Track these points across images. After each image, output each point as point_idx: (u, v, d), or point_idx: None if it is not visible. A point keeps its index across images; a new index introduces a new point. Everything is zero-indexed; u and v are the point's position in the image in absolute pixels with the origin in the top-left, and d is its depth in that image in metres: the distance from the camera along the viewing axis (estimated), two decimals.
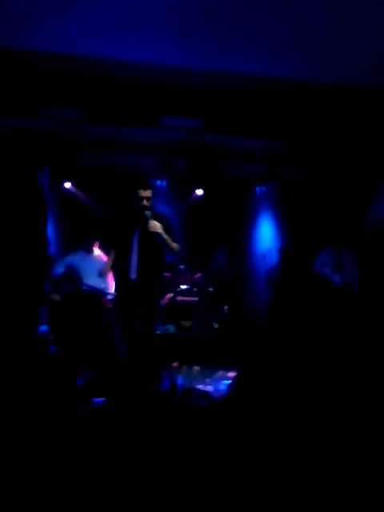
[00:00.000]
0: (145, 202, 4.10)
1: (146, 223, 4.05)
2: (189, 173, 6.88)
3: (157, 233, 4.03)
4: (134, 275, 4.11)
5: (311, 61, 4.77)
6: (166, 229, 4.10)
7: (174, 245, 4.17)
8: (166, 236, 4.08)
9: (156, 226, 4.04)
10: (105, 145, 6.31)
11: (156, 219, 4.10)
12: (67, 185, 6.58)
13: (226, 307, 6.62)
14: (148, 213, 4.07)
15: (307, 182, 6.71)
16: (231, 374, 4.45)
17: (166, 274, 6.56)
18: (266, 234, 7.23)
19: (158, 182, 7.13)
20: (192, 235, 7.16)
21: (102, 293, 5.42)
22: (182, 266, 6.92)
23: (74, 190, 6.67)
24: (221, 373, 4.74)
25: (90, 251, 5.69)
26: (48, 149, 5.88)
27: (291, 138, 6.35)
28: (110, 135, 6.24)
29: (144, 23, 4.18)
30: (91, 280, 5.48)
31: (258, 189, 7.35)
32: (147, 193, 4.12)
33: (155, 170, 6.85)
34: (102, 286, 5.50)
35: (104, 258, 5.66)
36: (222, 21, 4.21)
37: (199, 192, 7.12)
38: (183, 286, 6.72)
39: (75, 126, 5.85)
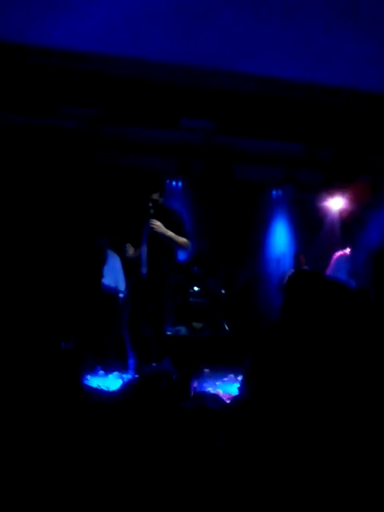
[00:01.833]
0: (152, 204, 4.15)
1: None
2: (204, 175, 6.88)
3: (162, 234, 4.08)
4: (144, 270, 4.14)
5: (326, 63, 4.76)
6: (172, 225, 4.13)
7: (182, 240, 4.16)
8: (169, 233, 4.10)
9: (156, 224, 4.08)
10: (122, 144, 6.33)
11: (163, 215, 4.14)
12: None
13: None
14: (151, 211, 4.12)
15: (323, 186, 6.67)
16: (241, 377, 4.41)
17: (179, 276, 6.56)
18: (281, 238, 7.19)
19: (174, 183, 7.14)
20: (206, 237, 7.16)
21: (115, 291, 5.44)
22: (195, 268, 6.90)
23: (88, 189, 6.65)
24: (231, 376, 4.71)
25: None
26: (66, 147, 5.92)
27: (308, 141, 6.32)
28: (128, 135, 6.26)
29: (162, 23, 4.19)
30: (105, 278, 5.49)
31: (274, 192, 7.32)
32: (155, 196, 4.16)
33: (171, 171, 6.86)
34: (114, 284, 5.51)
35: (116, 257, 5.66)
36: (241, 23, 4.21)
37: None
38: (196, 288, 6.70)
39: (93, 124, 5.88)
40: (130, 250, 4.26)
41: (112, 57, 4.66)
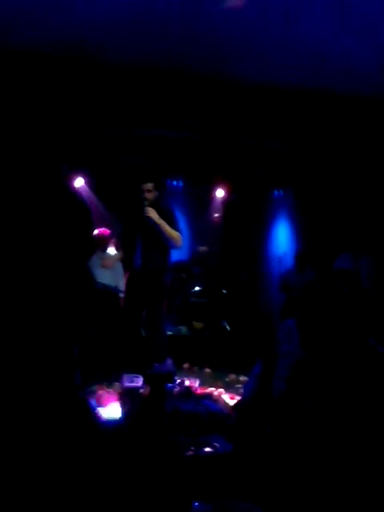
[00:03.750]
0: (146, 194, 4.28)
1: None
2: (205, 174, 6.86)
3: (153, 221, 4.19)
4: (138, 263, 4.28)
5: (328, 69, 4.77)
6: (164, 218, 4.25)
7: (174, 232, 4.28)
8: (162, 222, 4.22)
9: (150, 211, 4.21)
10: (122, 143, 6.30)
11: (157, 210, 4.25)
12: (79, 182, 6.55)
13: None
14: (146, 202, 4.24)
15: (325, 186, 6.65)
16: (243, 378, 4.39)
17: (180, 275, 6.55)
18: (283, 238, 7.18)
19: (174, 183, 7.12)
20: (207, 237, 7.15)
21: (115, 291, 5.41)
22: (196, 269, 6.89)
23: (86, 187, 6.63)
24: (232, 376, 4.69)
25: (104, 250, 5.67)
26: (64, 145, 5.90)
27: (309, 142, 6.31)
28: (127, 134, 6.23)
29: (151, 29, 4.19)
30: (105, 278, 5.46)
31: (275, 192, 7.30)
32: (148, 185, 4.30)
33: (172, 170, 6.85)
34: (115, 284, 5.49)
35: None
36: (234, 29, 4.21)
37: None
38: (197, 288, 6.68)
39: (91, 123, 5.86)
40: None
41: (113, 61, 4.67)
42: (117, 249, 5.65)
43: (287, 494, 1.81)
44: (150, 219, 4.21)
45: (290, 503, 1.76)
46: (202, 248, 6.99)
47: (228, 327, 6.39)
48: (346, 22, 3.98)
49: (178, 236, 4.31)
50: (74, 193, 6.40)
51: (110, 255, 5.66)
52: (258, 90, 5.23)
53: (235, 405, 2.99)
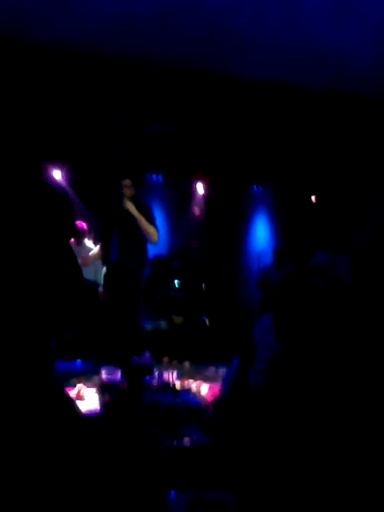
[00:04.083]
0: (125, 189, 4.37)
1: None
2: (185, 169, 6.87)
3: (132, 215, 4.27)
4: (115, 257, 4.37)
5: (312, 66, 4.81)
6: (142, 214, 4.34)
7: (151, 228, 4.37)
8: (139, 215, 4.30)
9: (128, 204, 4.30)
10: (100, 138, 6.27)
11: (134, 205, 4.33)
12: (56, 175, 6.50)
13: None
14: (124, 198, 4.33)
15: (304, 183, 6.72)
16: (222, 372, 4.43)
17: (160, 270, 6.56)
18: (262, 234, 7.24)
19: (154, 178, 7.11)
20: (186, 231, 7.16)
21: (94, 284, 5.40)
22: (175, 263, 6.90)
23: (63, 181, 6.58)
24: (212, 369, 4.72)
25: (81, 243, 5.64)
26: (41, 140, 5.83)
27: (288, 138, 6.36)
28: (106, 128, 6.20)
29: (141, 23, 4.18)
30: (84, 273, 5.43)
31: (254, 187, 7.35)
32: (127, 182, 4.41)
33: (151, 164, 6.83)
34: (94, 278, 5.47)
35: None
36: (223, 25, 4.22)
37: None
38: (176, 282, 6.70)
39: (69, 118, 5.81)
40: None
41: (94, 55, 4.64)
42: (95, 243, 5.62)
43: (264, 484, 1.84)
44: (127, 212, 4.26)
45: (267, 493, 1.79)
46: (192, 242, 7.02)
47: (207, 322, 6.43)
48: (340, 10, 3.99)
49: (154, 232, 4.39)
50: (55, 183, 6.31)
51: (88, 249, 5.63)
52: (238, 85, 5.26)
53: (213, 399, 3.03)
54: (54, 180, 6.28)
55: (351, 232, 5.76)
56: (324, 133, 5.92)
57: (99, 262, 5.50)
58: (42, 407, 1.62)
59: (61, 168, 6.43)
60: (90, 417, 2.65)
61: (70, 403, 1.76)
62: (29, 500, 1.42)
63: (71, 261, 1.47)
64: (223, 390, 3.00)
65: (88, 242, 5.71)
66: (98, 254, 5.03)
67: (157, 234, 4.43)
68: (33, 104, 5.29)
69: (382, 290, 2.77)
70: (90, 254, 5.31)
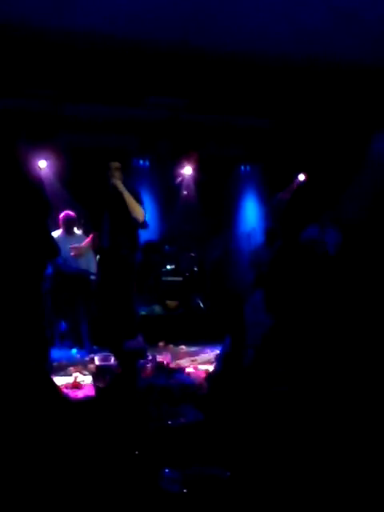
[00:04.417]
0: (113, 171, 4.33)
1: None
2: (172, 152, 6.83)
3: (120, 194, 4.23)
4: (106, 243, 4.33)
5: (297, 40, 4.74)
6: (130, 193, 4.30)
7: (138, 207, 4.32)
8: (128, 194, 4.26)
9: (116, 181, 4.27)
10: (86, 124, 6.21)
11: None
12: (42, 164, 6.43)
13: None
14: (112, 179, 4.29)
15: (291, 162, 6.69)
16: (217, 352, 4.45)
17: (152, 255, 6.55)
18: (251, 214, 7.22)
19: (141, 162, 7.06)
20: (176, 215, 7.14)
21: (86, 274, 5.37)
22: (167, 247, 6.89)
23: (49, 170, 6.51)
24: (207, 351, 4.75)
25: (71, 233, 5.59)
26: (28, 127, 5.76)
27: (275, 117, 6.33)
28: (92, 114, 6.14)
29: None
30: (73, 262, 5.40)
31: (242, 168, 7.32)
32: (116, 164, 4.37)
33: (138, 149, 6.78)
34: (86, 267, 5.44)
35: (85, 239, 5.58)
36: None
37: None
38: (169, 267, 6.69)
39: (55, 104, 5.74)
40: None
41: (72, 31, 4.54)
42: (85, 233, 5.59)
43: (257, 460, 1.85)
44: (115, 187, 4.25)
45: (260, 468, 1.80)
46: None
47: (201, 304, 6.44)
48: None
49: (140, 210, 4.34)
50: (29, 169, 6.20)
51: (79, 238, 5.59)
52: (227, 64, 5.16)
53: (207, 376, 3.05)
54: (28, 164, 6.16)
55: (339, 206, 5.77)
56: (311, 109, 5.88)
57: (90, 252, 5.48)
58: (31, 394, 1.62)
59: (47, 156, 6.36)
60: (85, 400, 2.65)
61: (56, 388, 1.76)
62: (24, 479, 1.43)
63: (46, 237, 1.46)
64: (217, 368, 3.03)
65: (78, 232, 5.67)
66: (90, 243, 5.02)
67: (143, 213, 4.38)
68: (17, 87, 5.20)
69: (369, 260, 2.77)
70: (83, 243, 5.29)
